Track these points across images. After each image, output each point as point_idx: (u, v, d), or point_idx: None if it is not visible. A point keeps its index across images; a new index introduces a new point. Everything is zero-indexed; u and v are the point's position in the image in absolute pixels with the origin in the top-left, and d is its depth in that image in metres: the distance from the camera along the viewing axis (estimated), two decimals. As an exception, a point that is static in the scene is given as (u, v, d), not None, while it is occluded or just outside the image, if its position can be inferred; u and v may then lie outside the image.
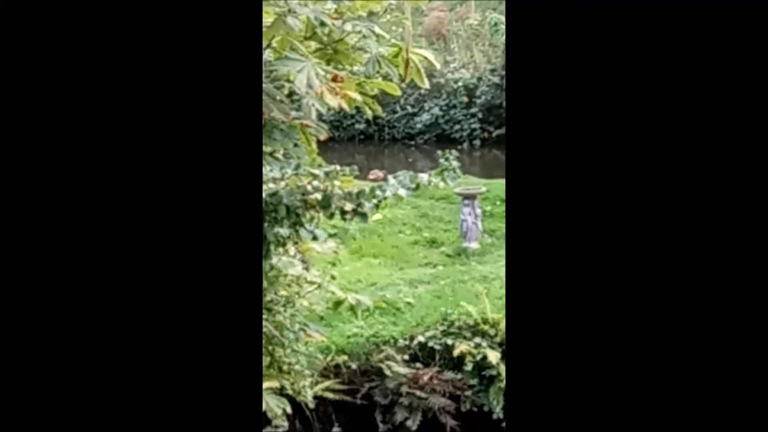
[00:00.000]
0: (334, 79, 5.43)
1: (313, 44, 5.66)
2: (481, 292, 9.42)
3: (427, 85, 6.18)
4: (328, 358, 8.51)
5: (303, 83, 5.11)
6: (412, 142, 19.97)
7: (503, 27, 19.49)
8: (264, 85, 5.46)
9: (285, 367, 6.54)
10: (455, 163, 6.18)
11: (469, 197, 11.35)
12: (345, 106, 5.62)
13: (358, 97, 5.72)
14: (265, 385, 6.51)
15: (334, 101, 5.43)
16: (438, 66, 6.26)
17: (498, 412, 8.47)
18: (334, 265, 8.00)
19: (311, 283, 6.76)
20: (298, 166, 5.74)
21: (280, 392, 6.63)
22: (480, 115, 19.38)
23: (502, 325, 8.77)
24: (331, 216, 5.65)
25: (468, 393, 8.64)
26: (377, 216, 6.12)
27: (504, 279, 9.72)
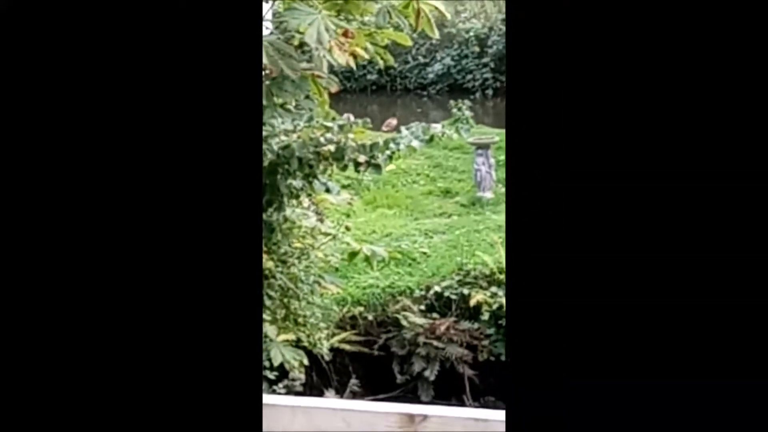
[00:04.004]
0: (345, 35, 5.42)
1: None
2: (496, 241, 9.41)
3: (437, 35, 6.18)
4: (344, 310, 8.52)
5: (313, 39, 5.10)
6: (425, 92, 19.94)
7: (515, -26, 19.39)
8: (273, 39, 5.48)
9: (300, 320, 6.57)
10: (468, 113, 6.23)
11: (483, 147, 11.32)
12: (352, 63, 5.62)
13: (366, 54, 5.72)
14: (282, 337, 6.55)
15: (343, 58, 5.44)
16: (449, 16, 6.25)
17: (515, 361, 8.48)
18: (348, 216, 8.06)
19: (326, 234, 6.78)
20: (310, 119, 5.76)
21: (297, 344, 6.66)
22: (492, 65, 19.32)
23: (519, 274, 8.77)
24: (345, 168, 5.68)
25: (485, 342, 8.63)
26: (391, 167, 6.12)
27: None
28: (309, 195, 6.17)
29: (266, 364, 6.61)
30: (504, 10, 19.28)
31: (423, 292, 8.91)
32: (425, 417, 1.72)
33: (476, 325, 8.69)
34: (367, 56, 5.71)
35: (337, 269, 7.60)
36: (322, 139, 5.54)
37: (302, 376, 7.74)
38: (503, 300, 8.60)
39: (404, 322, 8.66)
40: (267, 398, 1.83)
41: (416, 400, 8.28)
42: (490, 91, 19.29)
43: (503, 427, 1.81)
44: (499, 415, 1.79)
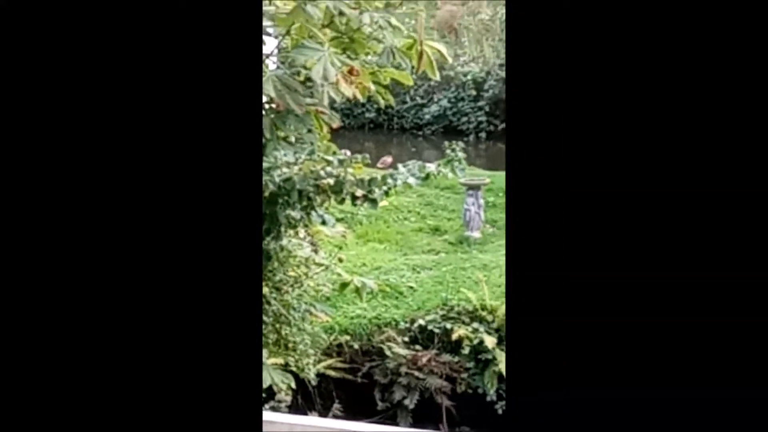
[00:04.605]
0: (351, 71, 5.45)
1: (330, 32, 5.67)
2: (481, 279, 9.42)
3: (438, 77, 6.20)
4: (332, 338, 8.53)
5: (320, 74, 5.13)
6: (420, 133, 19.91)
7: (513, 23, 19.47)
8: (280, 74, 5.48)
9: (290, 345, 6.60)
10: (461, 155, 6.23)
11: (474, 188, 11.33)
12: (359, 95, 5.66)
13: (372, 87, 5.76)
14: (271, 361, 6.57)
15: (348, 91, 5.46)
16: (449, 59, 6.28)
17: (492, 394, 8.51)
18: (341, 248, 8.01)
19: (319, 265, 6.81)
20: (312, 152, 5.78)
21: (285, 368, 6.69)
22: (487, 109, 19.28)
23: (500, 312, 8.80)
24: (342, 201, 5.69)
25: (464, 375, 8.67)
26: (383, 203, 6.16)
27: (504, 267, 9.83)
28: (306, 226, 6.20)
29: (254, 385, 6.62)
30: (502, 55, 19.34)
31: (407, 325, 8.92)
32: (414, 441, 1.72)
33: (456, 359, 8.71)
34: (373, 88, 5.74)
35: (327, 298, 7.62)
36: (322, 173, 5.55)
37: (288, 399, 7.75)
38: (484, 335, 8.64)
39: (388, 352, 8.68)
40: (266, 415, 1.83)
41: (395, 426, 8.28)
42: (483, 134, 19.26)
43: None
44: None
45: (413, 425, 8.44)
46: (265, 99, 5.62)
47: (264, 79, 5.36)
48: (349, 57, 5.61)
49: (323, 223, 6.07)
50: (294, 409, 8.02)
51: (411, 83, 6.13)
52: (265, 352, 6.47)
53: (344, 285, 6.97)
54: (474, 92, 19.47)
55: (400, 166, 5.88)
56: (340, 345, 8.70)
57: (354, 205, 5.73)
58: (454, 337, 8.70)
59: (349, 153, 5.87)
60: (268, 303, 6.25)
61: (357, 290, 6.86)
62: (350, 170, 5.62)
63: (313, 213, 5.79)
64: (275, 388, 6.72)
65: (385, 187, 5.66)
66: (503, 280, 9.46)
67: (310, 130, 5.86)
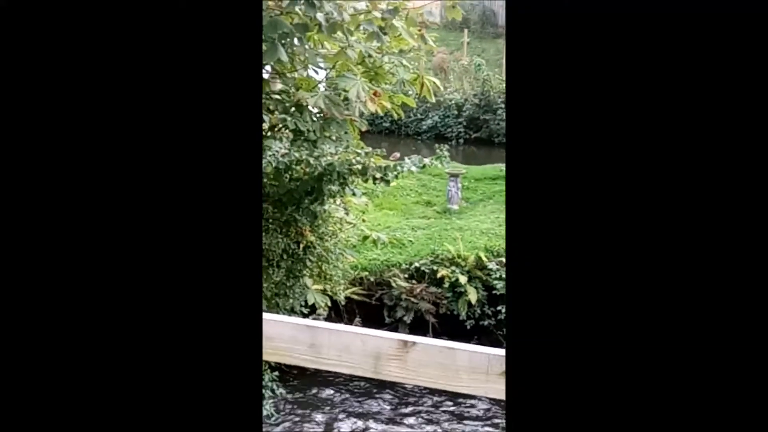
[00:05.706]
0: (375, 94, 5.59)
1: (362, 67, 5.82)
2: (457, 237, 9.44)
3: (433, 100, 6.34)
4: (356, 273, 8.54)
5: (354, 95, 5.30)
6: (420, 138, 19.86)
7: (484, 67, 19.46)
8: (328, 93, 5.64)
9: (328, 276, 6.70)
10: (446, 153, 6.30)
11: (454, 175, 11.34)
12: (379, 111, 5.82)
13: (389, 105, 5.90)
14: (315, 287, 6.68)
15: (372, 107, 5.63)
16: (441, 89, 6.39)
17: (463, 315, 8.52)
18: (364, 212, 8.04)
19: (349, 223, 6.90)
20: (347, 147, 5.90)
21: (323, 292, 6.77)
22: (464, 123, 19.26)
23: (470, 260, 8.81)
24: (366, 180, 5.79)
25: (444, 302, 8.68)
26: (393, 183, 6.25)
27: (474, 230, 9.83)
28: (341, 196, 6.27)
29: (303, 303, 6.71)
30: (476, 88, 19.28)
31: (407, 266, 8.92)
32: (414, 343, 1.71)
33: (440, 290, 8.71)
34: (389, 106, 5.89)
35: (354, 246, 7.64)
36: (353, 161, 5.64)
37: (324, 313, 7.76)
38: (459, 275, 8.64)
39: (393, 284, 8.70)
40: (312, 322, 1.79)
41: (397, 333, 8.31)
42: (462, 141, 19.25)
43: (465, 356, 1.76)
44: (463, 346, 1.75)
45: (409, 333, 8.46)
46: (317, 110, 5.75)
47: (317, 96, 5.50)
48: (374, 85, 5.79)
49: (353, 194, 6.13)
50: (328, 320, 8.04)
51: (414, 104, 6.25)
52: (309, 281, 6.56)
53: (365, 237, 7.10)
54: (456, 112, 19.43)
55: (405, 158, 5.95)
56: (361, 278, 8.71)
57: (374, 183, 5.81)
58: (439, 275, 8.71)
59: (371, 149, 5.93)
60: (314, 248, 6.35)
61: (374, 241, 6.95)
62: (372, 160, 5.71)
63: (347, 187, 5.88)
64: (317, 306, 6.79)
65: (395, 173, 5.74)
66: (474, 238, 9.47)
67: (346, 132, 6.05)
